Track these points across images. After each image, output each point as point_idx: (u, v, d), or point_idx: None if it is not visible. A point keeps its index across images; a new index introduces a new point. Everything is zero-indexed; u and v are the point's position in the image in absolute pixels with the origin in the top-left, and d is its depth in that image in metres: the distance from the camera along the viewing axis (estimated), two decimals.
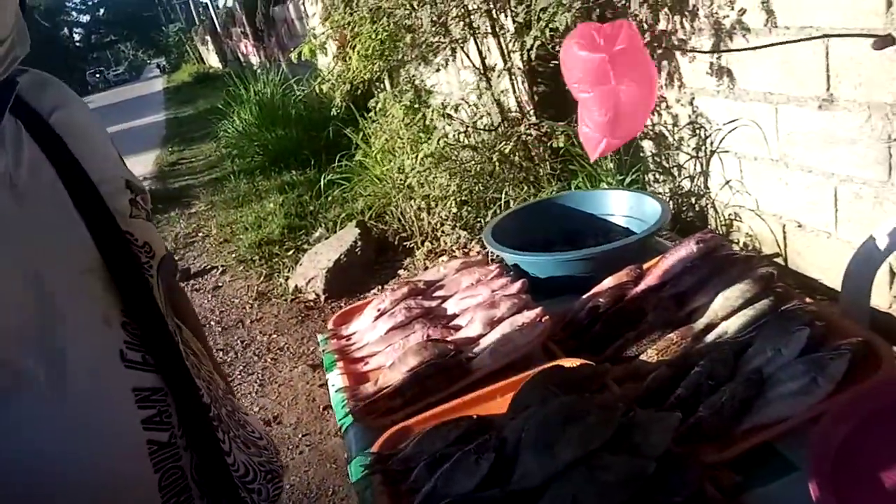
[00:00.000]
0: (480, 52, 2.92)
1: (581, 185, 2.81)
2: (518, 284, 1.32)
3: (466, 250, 3.08)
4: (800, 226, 2.50)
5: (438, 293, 1.45)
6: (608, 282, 1.31)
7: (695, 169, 2.87)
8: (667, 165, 3.00)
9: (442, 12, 2.62)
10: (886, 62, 1.95)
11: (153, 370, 0.73)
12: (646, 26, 2.72)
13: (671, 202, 3.00)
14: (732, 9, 2.32)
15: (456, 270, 1.49)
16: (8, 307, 0.69)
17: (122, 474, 0.73)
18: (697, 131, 2.76)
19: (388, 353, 1.28)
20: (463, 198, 3.00)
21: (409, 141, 3.11)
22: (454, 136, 2.92)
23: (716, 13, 2.40)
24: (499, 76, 2.75)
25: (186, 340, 0.89)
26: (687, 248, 1.25)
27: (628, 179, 2.86)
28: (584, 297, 1.30)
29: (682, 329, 1.14)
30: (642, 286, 1.25)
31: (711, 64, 2.53)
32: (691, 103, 2.73)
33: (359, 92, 3.16)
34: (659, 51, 2.75)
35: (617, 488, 0.82)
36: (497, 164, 2.76)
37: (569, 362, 1.13)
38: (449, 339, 1.26)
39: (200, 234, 5.85)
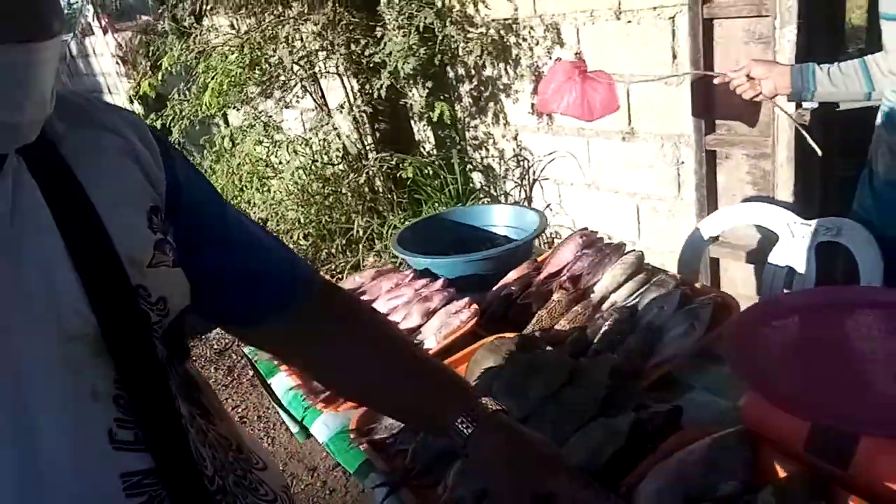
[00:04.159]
0: (322, 92, 3.09)
1: (429, 211, 3.09)
2: (440, 281, 1.52)
3: None
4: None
5: (363, 298, 1.60)
6: (513, 274, 1.56)
7: (520, 195, 3.29)
8: (495, 193, 3.39)
9: (309, 51, 2.76)
10: (672, 101, 2.49)
11: (145, 449, 0.62)
12: (473, 72, 3.11)
13: None
14: (550, 58, 2.77)
15: (372, 278, 1.65)
16: None
17: None
18: (521, 163, 3.19)
19: None
20: (310, 230, 3.12)
21: (257, 176, 3.17)
22: (306, 169, 3.05)
23: (535, 62, 2.84)
24: (349, 113, 2.95)
25: (201, 399, 0.76)
26: (574, 242, 1.56)
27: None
28: (495, 288, 1.54)
29: (584, 302, 1.43)
30: (544, 273, 1.53)
31: (532, 105, 2.97)
32: (515, 139, 3.15)
33: (197, 128, 3.15)
34: (486, 93, 3.15)
35: (582, 410, 1.06)
36: (349, 194, 2.94)
37: (503, 336, 1.36)
38: None
39: None
